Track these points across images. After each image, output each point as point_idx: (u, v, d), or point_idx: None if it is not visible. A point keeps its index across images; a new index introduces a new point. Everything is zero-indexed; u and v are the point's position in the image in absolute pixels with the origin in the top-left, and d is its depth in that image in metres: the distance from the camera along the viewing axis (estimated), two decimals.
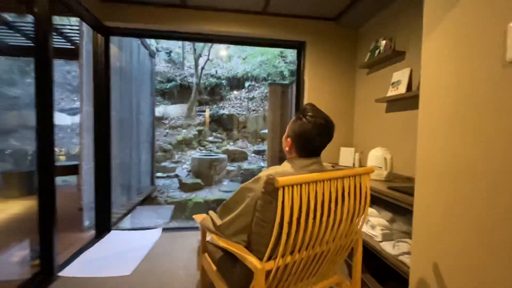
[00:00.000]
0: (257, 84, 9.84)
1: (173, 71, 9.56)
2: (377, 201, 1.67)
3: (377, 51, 2.12)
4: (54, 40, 3.94)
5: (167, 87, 8.95)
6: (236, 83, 9.84)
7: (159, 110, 8.28)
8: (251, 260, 0.91)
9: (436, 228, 1.01)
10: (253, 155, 7.30)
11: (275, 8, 2.32)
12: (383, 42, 2.05)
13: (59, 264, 1.80)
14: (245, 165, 5.99)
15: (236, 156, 6.66)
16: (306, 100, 2.56)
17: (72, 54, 4.05)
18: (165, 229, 2.52)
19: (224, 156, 5.56)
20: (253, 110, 9.05)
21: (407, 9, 1.87)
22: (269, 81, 9.48)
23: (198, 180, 4.79)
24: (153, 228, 2.50)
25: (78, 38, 2.87)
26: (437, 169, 1.01)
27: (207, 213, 1.25)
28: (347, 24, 2.47)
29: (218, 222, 1.13)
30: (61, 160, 4.93)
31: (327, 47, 2.53)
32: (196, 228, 2.64)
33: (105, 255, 2.01)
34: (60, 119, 6.65)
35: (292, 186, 0.86)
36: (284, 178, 0.84)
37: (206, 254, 1.36)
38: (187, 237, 2.33)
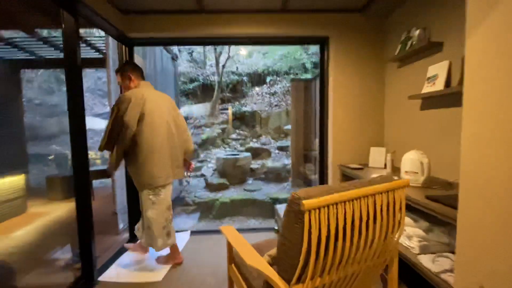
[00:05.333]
0: (278, 78, 9.68)
1: (195, 70, 9.72)
2: (413, 208, 1.55)
3: (409, 43, 1.94)
4: (84, 50, 4.16)
5: (191, 87, 9.13)
6: (257, 78, 9.75)
7: (184, 110, 8.50)
8: (279, 284, 0.88)
9: (486, 247, 0.90)
10: (276, 151, 7.24)
11: (294, 5, 2.21)
12: (416, 32, 1.86)
13: (98, 268, 1.91)
14: (269, 162, 5.96)
15: (260, 153, 6.65)
16: (331, 97, 2.43)
17: (100, 63, 4.27)
18: (193, 232, 2.58)
19: (248, 154, 5.56)
20: (276, 105, 8.94)
21: None
22: (291, 75, 9.28)
23: (224, 180, 4.86)
24: (182, 231, 2.57)
25: (105, 48, 3.07)
26: (488, 177, 0.89)
27: None
28: (374, 14, 2.29)
29: None
30: (97, 164, 5.27)
31: (352, 40, 2.37)
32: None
33: (138, 259, 2.10)
34: (94, 123, 7.10)
35: (319, 208, 0.81)
36: (312, 200, 0.79)
37: (233, 266, 1.36)
38: (214, 241, 2.37)
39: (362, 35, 2.37)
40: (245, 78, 9.61)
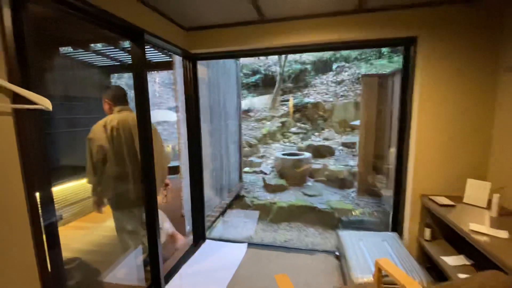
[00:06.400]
0: (347, 65, 8.81)
1: (257, 61, 9.64)
2: None
3: None
4: (154, 55, 4.52)
5: (253, 80, 9.14)
6: (322, 66, 9.08)
7: (246, 103, 8.62)
8: None
9: None
10: (340, 147, 6.72)
11: (373, 3, 1.83)
12: None
13: (165, 273, 2.10)
14: (331, 163, 5.57)
15: (321, 152, 6.28)
16: (416, 110, 2.00)
17: (168, 65, 4.59)
18: (250, 245, 2.60)
19: (308, 155, 5.29)
20: (342, 95, 8.22)
21: None
22: (362, 61, 8.32)
23: (282, 181, 4.78)
24: (240, 242, 2.62)
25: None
26: None
27: None
28: (487, 6, 1.72)
29: None
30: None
31: (449, 40, 1.86)
32: (278, 248, 2.61)
33: (200, 269, 2.23)
34: (168, 116, 7.86)
35: None
36: None
37: None
38: (270, 260, 2.33)
39: (463, 34, 1.82)
40: (309, 67, 9.08)
